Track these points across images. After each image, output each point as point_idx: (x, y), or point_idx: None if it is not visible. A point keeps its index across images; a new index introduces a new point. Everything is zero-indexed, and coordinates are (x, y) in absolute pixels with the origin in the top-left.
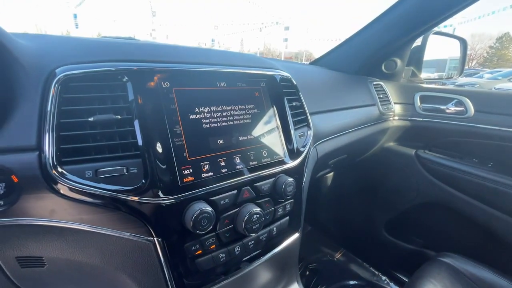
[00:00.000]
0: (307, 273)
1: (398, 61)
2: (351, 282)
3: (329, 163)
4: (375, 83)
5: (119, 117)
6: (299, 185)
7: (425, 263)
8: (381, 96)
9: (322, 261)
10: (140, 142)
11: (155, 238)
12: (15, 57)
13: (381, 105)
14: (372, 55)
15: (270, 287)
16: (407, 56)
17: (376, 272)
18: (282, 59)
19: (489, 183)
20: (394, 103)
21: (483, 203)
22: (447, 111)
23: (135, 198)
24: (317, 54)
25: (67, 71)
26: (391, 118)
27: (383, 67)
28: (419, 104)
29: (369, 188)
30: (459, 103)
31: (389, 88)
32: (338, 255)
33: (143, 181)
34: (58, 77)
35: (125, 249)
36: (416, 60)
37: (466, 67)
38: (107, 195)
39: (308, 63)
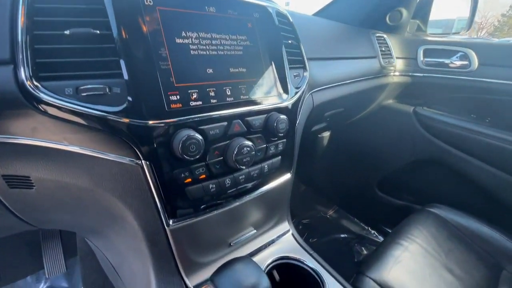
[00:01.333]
0: (300, 227)
1: (404, 12)
2: (342, 235)
3: (325, 115)
4: (377, 35)
5: (98, 32)
6: (292, 125)
7: (413, 213)
8: (383, 49)
9: (315, 217)
10: (122, 62)
11: (142, 161)
12: None
13: (382, 58)
14: (378, 4)
15: (260, 223)
16: (413, 7)
17: (366, 227)
18: None
19: (484, 137)
20: (396, 57)
21: (477, 159)
22: (451, 65)
23: (120, 119)
24: None
25: None
26: (392, 74)
27: (387, 19)
28: (422, 58)
29: (365, 147)
30: (464, 56)
31: (392, 42)
32: (331, 212)
33: (128, 102)
34: None
35: (112, 171)
36: (423, 13)
37: (475, 36)
38: (88, 113)
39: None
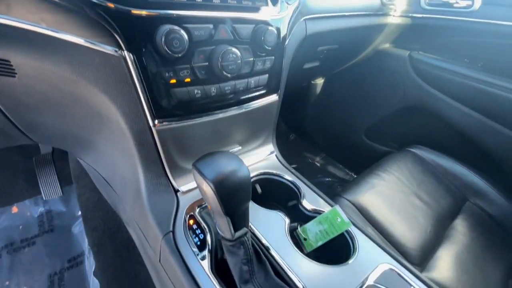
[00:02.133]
0: None
1: None
2: (326, 179)
3: (318, 49)
4: None
5: None
6: (282, 41)
7: (394, 152)
8: None
9: (303, 163)
10: None
11: (125, 52)
12: None
13: None
14: None
15: (245, 141)
16: None
17: (350, 173)
18: None
19: (473, 82)
20: None
21: (463, 104)
22: (455, 4)
23: (105, 3)
24: None
25: None
26: (392, 13)
27: None
28: None
29: (356, 95)
30: None
31: None
32: (318, 159)
33: None
34: None
35: (95, 61)
36: None
37: None
38: None
39: None
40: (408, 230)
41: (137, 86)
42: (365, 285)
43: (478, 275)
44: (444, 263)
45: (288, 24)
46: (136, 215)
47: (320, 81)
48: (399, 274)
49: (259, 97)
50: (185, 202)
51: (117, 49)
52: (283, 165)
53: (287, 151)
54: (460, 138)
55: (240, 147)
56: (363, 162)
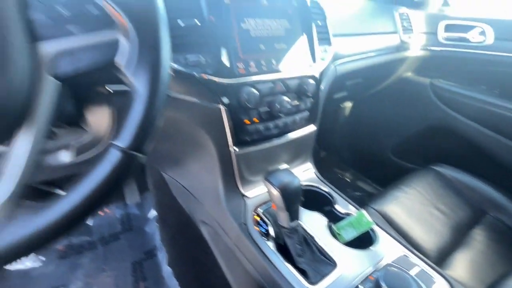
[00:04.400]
0: None
1: None
2: (357, 193)
3: (346, 84)
4: (400, 11)
5: (199, 24)
6: (318, 88)
7: (418, 170)
8: (405, 24)
9: (333, 178)
10: (211, 43)
11: (221, 106)
12: None
13: (403, 33)
14: None
15: (291, 160)
16: None
17: (379, 187)
18: None
19: (490, 107)
20: (417, 32)
21: (481, 125)
22: (470, 39)
23: (212, 78)
24: None
25: None
26: (411, 48)
27: None
28: (442, 33)
29: (382, 117)
30: (481, 31)
31: (414, 17)
32: (347, 174)
33: (216, 68)
34: None
35: (202, 111)
36: None
37: None
38: (192, 74)
39: None
40: (426, 233)
41: (225, 125)
42: (382, 265)
43: (493, 276)
44: (460, 263)
45: (323, 75)
46: (215, 213)
47: (348, 105)
48: (412, 261)
49: (302, 128)
50: (250, 204)
51: (216, 104)
52: (319, 179)
53: (319, 167)
54: (479, 157)
55: (287, 166)
56: (390, 178)
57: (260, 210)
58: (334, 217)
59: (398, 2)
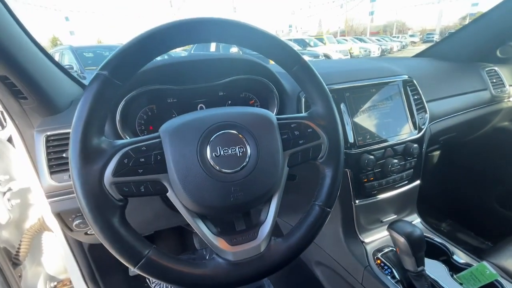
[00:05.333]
0: None
1: None
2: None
3: (440, 139)
4: (487, 69)
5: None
6: (421, 149)
7: None
8: (494, 80)
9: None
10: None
11: (348, 170)
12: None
13: (493, 89)
14: (487, 41)
15: (398, 210)
16: None
17: (486, 242)
18: (368, 34)
19: None
20: (510, 85)
21: None
22: None
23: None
24: (410, 23)
25: None
26: (506, 100)
27: (497, 52)
28: None
29: (479, 164)
30: None
31: (504, 72)
32: (444, 225)
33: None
34: None
35: None
36: None
37: None
38: None
39: (413, 55)
40: None
41: (350, 183)
42: None
43: None
44: None
45: (424, 138)
46: (336, 255)
47: (436, 153)
48: None
49: (408, 183)
50: (369, 248)
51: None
52: (428, 229)
53: None
54: None
55: (396, 216)
56: (499, 230)
57: (378, 254)
58: (452, 267)
59: (481, 59)
